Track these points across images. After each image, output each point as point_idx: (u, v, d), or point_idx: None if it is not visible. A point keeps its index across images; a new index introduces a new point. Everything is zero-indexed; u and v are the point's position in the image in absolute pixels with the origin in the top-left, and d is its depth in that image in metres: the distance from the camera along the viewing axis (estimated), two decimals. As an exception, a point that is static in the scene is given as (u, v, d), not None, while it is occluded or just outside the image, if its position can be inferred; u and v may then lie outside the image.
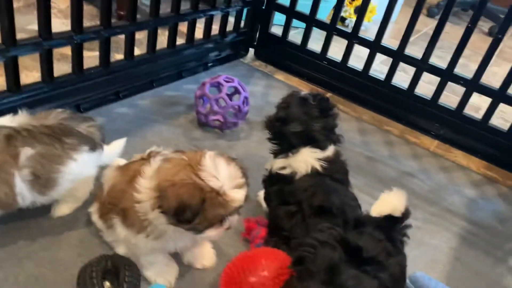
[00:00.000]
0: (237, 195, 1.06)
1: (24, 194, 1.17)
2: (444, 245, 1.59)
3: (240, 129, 1.94)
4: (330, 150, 1.34)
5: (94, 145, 1.29)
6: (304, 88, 2.41)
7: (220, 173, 1.04)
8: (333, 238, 1.05)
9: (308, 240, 1.07)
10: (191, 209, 1.02)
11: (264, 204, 1.48)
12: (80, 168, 1.25)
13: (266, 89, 2.34)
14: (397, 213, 1.11)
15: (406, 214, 1.13)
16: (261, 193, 1.50)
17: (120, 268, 1.10)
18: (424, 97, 2.20)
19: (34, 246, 1.24)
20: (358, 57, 2.39)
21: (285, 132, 1.34)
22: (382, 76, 2.29)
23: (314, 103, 1.37)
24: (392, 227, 1.13)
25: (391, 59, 2.23)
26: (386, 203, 1.14)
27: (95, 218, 1.27)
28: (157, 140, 1.75)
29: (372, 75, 2.30)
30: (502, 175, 2.06)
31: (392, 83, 2.26)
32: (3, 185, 1.12)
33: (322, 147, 1.33)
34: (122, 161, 1.36)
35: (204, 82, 1.85)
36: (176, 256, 1.29)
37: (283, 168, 1.33)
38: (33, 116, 1.23)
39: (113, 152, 1.43)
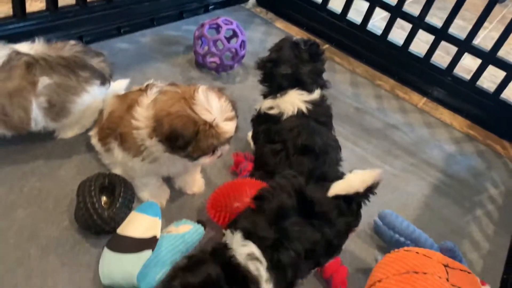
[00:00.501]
0: (228, 127, 1.16)
1: (38, 120, 1.27)
2: (417, 192, 1.71)
3: (236, 72, 2.01)
4: (316, 94, 1.42)
5: (104, 80, 1.38)
6: (302, 36, 2.45)
7: (213, 107, 1.13)
8: (292, 187, 1.10)
9: (271, 183, 1.15)
10: (184, 138, 1.12)
11: (252, 143, 1.58)
12: (91, 100, 1.34)
13: (264, 36, 2.38)
14: (360, 190, 1.12)
15: (370, 189, 1.14)
16: (250, 133, 1.59)
17: (116, 185, 1.21)
18: (417, 54, 2.26)
19: (38, 163, 1.34)
20: (358, 11, 2.42)
21: (275, 74, 1.41)
22: (380, 31, 2.33)
23: (304, 48, 1.43)
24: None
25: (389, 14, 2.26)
26: (349, 184, 1.13)
27: (94, 141, 1.36)
28: (155, 77, 1.79)
29: (369, 30, 2.34)
30: (482, 135, 2.16)
31: (388, 39, 2.31)
32: (19, 109, 1.21)
33: (309, 90, 1.41)
34: (121, 91, 1.45)
35: (203, 23, 1.89)
36: (168, 181, 1.40)
37: (271, 108, 1.42)
38: (49, 46, 1.30)
39: (117, 89, 1.51)
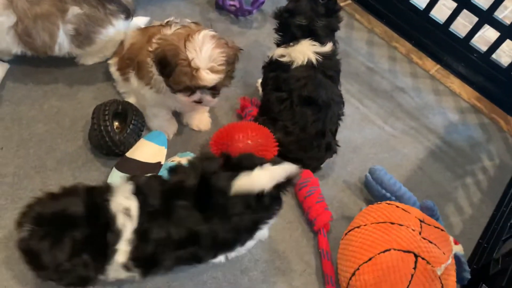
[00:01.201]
0: (206, 76, 1.19)
1: (63, 44, 1.35)
2: (412, 154, 1.79)
3: (254, 18, 2.04)
4: (328, 47, 1.47)
5: (129, 14, 1.44)
6: (326, -10, 2.44)
7: (202, 51, 1.17)
8: (201, 170, 1.02)
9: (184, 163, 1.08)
10: (168, 65, 1.19)
11: (260, 90, 1.64)
12: (114, 32, 1.41)
13: (287, -15, 2.38)
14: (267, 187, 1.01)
15: (286, 183, 1.05)
16: (260, 80, 1.66)
17: (128, 112, 1.31)
18: (437, 20, 2.24)
19: (58, 85, 1.44)
20: (385, -32, 2.38)
21: (290, 23, 1.45)
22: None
23: (322, 2, 1.46)
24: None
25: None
26: (252, 182, 1.01)
27: (113, 69, 1.45)
28: (174, 14, 1.84)
29: (393, -11, 2.32)
30: (488, 108, 2.18)
31: (410, 1, 2.29)
32: (45, 32, 1.29)
33: (322, 42, 1.45)
34: (143, 20, 1.52)
35: (228, -34, 1.91)
36: (177, 117, 1.49)
37: (282, 56, 1.47)
38: None
39: (138, 23, 1.57)
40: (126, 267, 0.95)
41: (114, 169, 1.23)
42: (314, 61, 1.43)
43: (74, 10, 1.30)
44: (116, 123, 1.31)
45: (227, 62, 1.22)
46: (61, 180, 1.23)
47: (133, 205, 0.94)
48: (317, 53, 1.44)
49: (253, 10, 1.97)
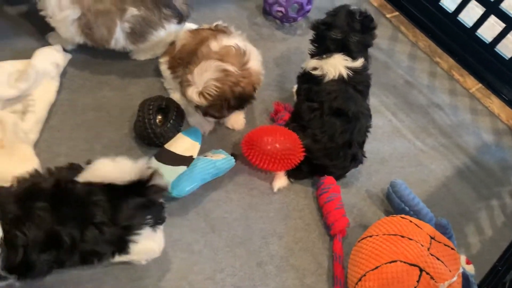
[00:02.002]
0: (189, 93, 1.32)
1: (119, 40, 1.50)
2: (439, 171, 1.82)
3: (298, 25, 2.12)
4: (359, 62, 1.53)
5: (181, 20, 1.58)
6: (374, 1, 2.48)
7: (201, 75, 1.29)
8: (52, 175, 1.03)
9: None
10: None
11: (295, 96, 1.73)
12: (166, 35, 1.55)
13: (336, -7, 2.43)
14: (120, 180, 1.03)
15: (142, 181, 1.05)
16: (295, 86, 1.75)
17: (171, 108, 1.44)
18: (483, 39, 2.24)
19: (111, 76, 1.59)
20: (436, -17, 2.39)
21: (326, 36, 1.53)
22: (452, 9, 2.31)
23: (358, 19, 1.53)
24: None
25: (465, -6, 2.23)
26: (92, 174, 1.04)
27: (163, 67, 1.58)
28: (223, 17, 1.97)
29: (442, 5, 2.33)
30: (528, 132, 2.17)
31: (458, 18, 2.29)
32: (104, 28, 1.44)
33: (353, 57, 1.52)
34: (193, 27, 1.64)
35: (278, -27, 2.00)
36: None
37: (315, 68, 1.55)
38: None
39: (188, 28, 1.69)
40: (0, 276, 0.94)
41: (153, 158, 1.37)
42: (345, 75, 1.50)
43: (132, 12, 1.45)
44: (159, 117, 1.44)
45: (217, 97, 1.31)
46: (106, 163, 1.38)
47: None
48: (348, 68, 1.51)
49: (298, 17, 2.05)
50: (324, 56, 1.54)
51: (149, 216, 1.05)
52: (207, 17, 1.94)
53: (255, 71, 1.39)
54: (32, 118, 1.34)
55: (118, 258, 1.07)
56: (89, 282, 1.17)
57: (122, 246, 1.04)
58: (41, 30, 1.56)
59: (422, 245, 1.23)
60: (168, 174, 1.28)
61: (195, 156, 1.34)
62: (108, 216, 0.99)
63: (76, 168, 1.06)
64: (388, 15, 2.44)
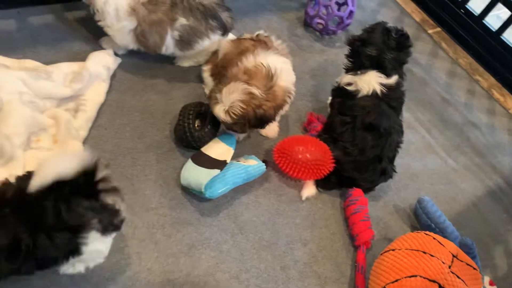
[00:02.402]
0: (216, 110, 1.42)
1: (169, 46, 1.62)
2: (470, 190, 1.82)
3: (338, 38, 2.17)
4: (393, 79, 1.56)
5: (225, 32, 1.68)
6: (416, 16, 2.49)
7: (229, 95, 1.38)
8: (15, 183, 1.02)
9: None
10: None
11: (329, 108, 1.78)
12: (210, 44, 1.66)
13: (378, 7, 2.46)
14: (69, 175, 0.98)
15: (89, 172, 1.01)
16: (330, 98, 1.79)
17: (209, 114, 1.52)
18: (527, 59, 2.21)
19: (157, 81, 1.70)
20: (481, 0, 2.37)
21: (361, 52, 1.57)
22: (496, 27, 2.29)
23: (394, 36, 1.56)
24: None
25: (510, 13, 2.21)
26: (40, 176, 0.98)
27: (205, 75, 1.68)
28: (264, 27, 2.06)
29: (485, 23, 2.31)
30: None
31: (501, 37, 2.27)
32: (156, 35, 1.57)
33: (388, 75, 1.55)
34: (234, 36, 1.73)
35: (320, -13, 2.05)
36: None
37: (349, 84, 1.59)
38: None
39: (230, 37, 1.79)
40: None
41: (189, 160, 1.46)
42: (378, 92, 1.54)
43: (181, 21, 1.56)
44: (197, 122, 1.53)
45: (241, 116, 1.40)
46: (147, 162, 1.48)
47: None
48: (382, 84, 1.54)
49: (337, 30, 2.10)
50: (359, 72, 1.58)
51: (95, 220, 1.02)
52: (249, 27, 2.03)
53: (283, 91, 1.46)
54: (83, 117, 1.46)
55: (72, 261, 1.07)
56: (125, 271, 1.27)
57: (74, 248, 1.04)
58: (95, 35, 1.69)
59: (444, 262, 1.26)
60: (203, 176, 1.36)
61: (228, 160, 1.42)
62: (56, 220, 0.97)
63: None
64: (429, 31, 2.45)
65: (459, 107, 2.13)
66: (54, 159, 1.01)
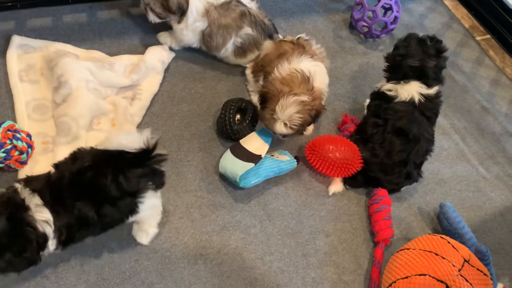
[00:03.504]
0: (278, 128, 1.55)
1: (228, 50, 1.80)
2: (499, 200, 1.85)
3: (382, 41, 2.23)
4: (433, 90, 1.64)
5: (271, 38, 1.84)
6: (465, 22, 2.49)
7: (285, 110, 1.50)
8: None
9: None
10: (263, 102, 1.58)
11: (366, 111, 1.87)
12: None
13: (427, 11, 2.49)
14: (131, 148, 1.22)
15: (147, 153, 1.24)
16: (368, 100, 1.88)
17: (248, 109, 1.67)
18: None
19: (205, 75, 1.87)
20: (535, 9, 2.34)
21: (403, 65, 1.65)
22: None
23: (431, 44, 1.63)
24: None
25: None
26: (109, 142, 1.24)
27: (248, 72, 1.83)
28: (310, 28, 2.17)
29: (537, 33, 2.29)
30: None
31: (552, 48, 2.24)
32: (220, 38, 1.75)
33: (429, 85, 1.63)
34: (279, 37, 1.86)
35: (368, -8, 2.12)
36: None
37: (390, 90, 1.68)
38: (259, 10, 1.81)
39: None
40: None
41: (228, 150, 1.61)
42: (416, 100, 1.62)
43: (247, 30, 1.75)
44: (237, 116, 1.68)
45: (301, 124, 1.54)
46: (190, 149, 1.66)
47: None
48: (422, 94, 1.62)
49: (381, 35, 2.17)
50: (402, 82, 1.65)
51: (150, 183, 1.27)
52: (296, 27, 2.14)
53: (319, 91, 1.58)
54: (138, 105, 1.65)
55: (131, 219, 1.30)
56: (164, 243, 1.46)
57: (133, 209, 1.27)
58: (154, 30, 1.88)
59: (454, 265, 1.34)
60: (239, 167, 1.52)
61: (263, 155, 1.56)
62: (118, 190, 1.20)
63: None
64: (477, 38, 2.45)
65: (499, 117, 2.13)
66: (123, 134, 1.27)
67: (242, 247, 1.50)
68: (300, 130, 1.58)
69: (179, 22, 1.73)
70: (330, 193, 1.68)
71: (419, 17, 2.43)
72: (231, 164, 1.54)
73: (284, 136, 1.62)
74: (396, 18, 2.10)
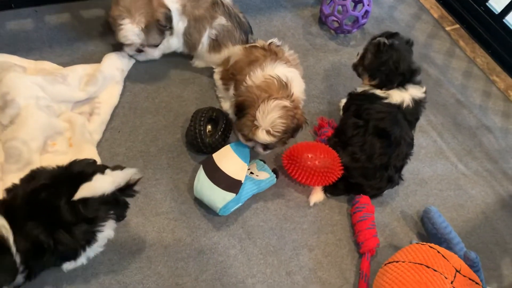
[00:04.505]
0: (261, 135, 1.40)
1: (204, 45, 1.66)
2: (479, 197, 1.82)
3: (352, 36, 2.15)
4: (423, 90, 1.61)
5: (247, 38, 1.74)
6: (434, 12, 2.44)
7: (267, 116, 1.37)
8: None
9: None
10: (240, 111, 1.44)
11: (341, 112, 1.78)
12: (230, 53, 1.68)
13: (396, 2, 2.41)
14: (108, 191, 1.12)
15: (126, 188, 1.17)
16: (343, 101, 1.79)
17: (220, 120, 1.54)
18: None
19: (170, 81, 1.72)
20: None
21: (394, 73, 1.57)
22: (517, 26, 2.24)
23: (407, 43, 1.57)
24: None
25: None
26: (94, 187, 1.11)
27: (216, 77, 1.70)
28: (279, 25, 2.05)
29: (506, 22, 2.26)
30: None
31: (523, 36, 2.22)
32: (197, 32, 1.61)
33: (420, 84, 1.60)
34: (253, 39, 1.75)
35: (336, -15, 2.02)
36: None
37: (381, 93, 1.60)
38: (233, 4, 1.68)
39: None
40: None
41: (202, 169, 1.44)
42: (404, 104, 1.56)
43: (221, 20, 1.62)
44: (208, 127, 1.55)
45: (283, 131, 1.41)
46: (158, 165, 1.52)
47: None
48: (413, 98, 1.58)
49: (352, 30, 2.08)
50: (397, 88, 1.58)
51: (111, 212, 1.16)
52: (263, 25, 2.02)
53: (297, 99, 1.47)
54: (97, 120, 1.49)
55: (88, 251, 1.17)
56: (135, 274, 1.33)
57: (89, 238, 1.15)
58: (109, 35, 1.71)
59: (446, 277, 1.28)
60: (219, 198, 1.39)
61: (243, 180, 1.42)
62: (75, 216, 1.09)
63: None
64: (447, 28, 2.40)
65: (474, 110, 2.10)
66: (101, 179, 1.11)
67: (222, 271, 1.39)
68: (283, 138, 1.45)
69: (171, 33, 1.59)
70: (311, 203, 1.59)
71: (389, 9, 2.36)
72: (208, 191, 1.40)
73: (265, 147, 1.48)
74: (367, 12, 2.02)
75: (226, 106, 1.67)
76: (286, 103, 1.39)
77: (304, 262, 1.48)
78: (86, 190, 1.08)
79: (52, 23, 1.73)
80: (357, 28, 2.08)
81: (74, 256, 1.16)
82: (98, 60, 1.65)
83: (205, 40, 1.64)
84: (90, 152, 1.41)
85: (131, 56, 1.68)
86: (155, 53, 1.65)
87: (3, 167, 1.32)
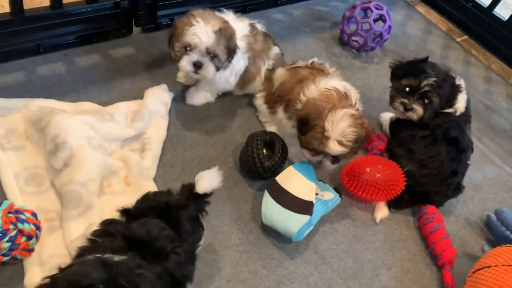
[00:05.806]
0: (333, 146, 1.32)
1: (262, 78, 1.65)
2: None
3: (374, 53, 2.16)
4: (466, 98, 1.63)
5: None
6: (442, 26, 2.50)
7: (337, 125, 1.31)
8: (116, 231, 1.00)
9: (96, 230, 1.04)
10: (305, 125, 1.36)
11: (384, 124, 1.75)
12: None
13: (405, 20, 2.47)
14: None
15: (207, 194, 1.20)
16: (383, 114, 1.77)
17: (276, 142, 1.48)
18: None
19: (211, 112, 1.67)
20: (508, 5, 2.39)
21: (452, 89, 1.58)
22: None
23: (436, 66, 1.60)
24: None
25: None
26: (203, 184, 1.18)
27: (259, 102, 1.65)
28: (303, 50, 2.05)
29: (514, 27, 2.33)
30: None
31: (530, 39, 2.28)
32: (254, 67, 1.61)
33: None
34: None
35: (355, 5, 2.05)
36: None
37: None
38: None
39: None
40: None
41: (267, 195, 1.37)
42: (459, 111, 1.58)
43: (276, 50, 1.64)
44: (264, 151, 1.48)
45: (355, 140, 1.34)
46: (216, 197, 1.41)
47: None
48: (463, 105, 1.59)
49: (376, 46, 2.09)
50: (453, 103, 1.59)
51: (201, 229, 1.19)
52: (288, 50, 2.01)
53: (359, 108, 1.43)
54: (150, 156, 1.41)
55: None
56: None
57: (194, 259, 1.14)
58: (143, 70, 1.66)
59: (546, 276, 1.21)
60: (293, 222, 1.30)
61: (314, 200, 1.35)
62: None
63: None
64: (457, 39, 2.45)
65: (503, 113, 2.11)
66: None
67: (306, 301, 1.29)
68: (353, 148, 1.37)
69: (225, 68, 1.50)
70: (377, 220, 1.52)
71: (400, 26, 2.40)
72: (280, 217, 1.32)
73: (334, 160, 1.40)
74: (390, 27, 2.04)
75: (272, 129, 1.61)
76: (353, 111, 1.35)
77: (386, 282, 1.39)
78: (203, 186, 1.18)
79: (84, 65, 1.67)
80: (379, 44, 2.09)
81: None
82: (136, 96, 1.58)
83: (263, 73, 1.63)
84: (150, 189, 1.31)
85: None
86: (211, 71, 1.44)
87: (62, 215, 1.21)
